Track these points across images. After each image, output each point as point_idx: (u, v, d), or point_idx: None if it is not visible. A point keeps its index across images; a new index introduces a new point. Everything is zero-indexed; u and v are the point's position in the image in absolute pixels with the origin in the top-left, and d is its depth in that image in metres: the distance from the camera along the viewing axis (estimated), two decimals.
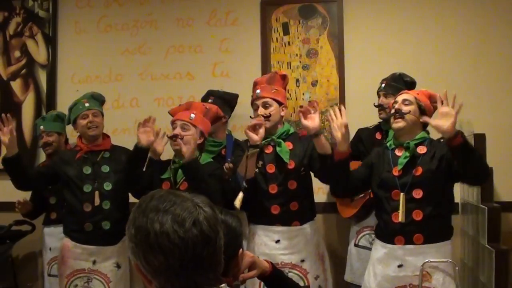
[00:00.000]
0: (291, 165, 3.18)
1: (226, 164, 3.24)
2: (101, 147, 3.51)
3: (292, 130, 3.36)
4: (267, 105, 3.21)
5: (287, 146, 3.22)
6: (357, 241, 3.65)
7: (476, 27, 4.03)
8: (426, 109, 2.92)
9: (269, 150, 3.25)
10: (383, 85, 3.55)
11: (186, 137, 3.10)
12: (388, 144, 3.03)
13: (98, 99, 3.59)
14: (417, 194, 2.83)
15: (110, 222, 3.38)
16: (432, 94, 2.97)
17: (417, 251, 2.81)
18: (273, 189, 3.21)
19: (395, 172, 2.89)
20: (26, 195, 3.89)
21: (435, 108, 2.90)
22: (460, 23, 4.05)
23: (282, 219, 3.22)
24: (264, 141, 3.23)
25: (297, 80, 4.18)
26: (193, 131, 3.15)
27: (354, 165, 3.38)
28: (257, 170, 3.21)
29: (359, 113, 3.94)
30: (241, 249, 1.69)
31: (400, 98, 2.98)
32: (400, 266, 2.83)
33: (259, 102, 3.24)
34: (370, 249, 3.43)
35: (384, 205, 2.91)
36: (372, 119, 3.71)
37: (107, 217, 3.38)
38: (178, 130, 3.15)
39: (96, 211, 3.39)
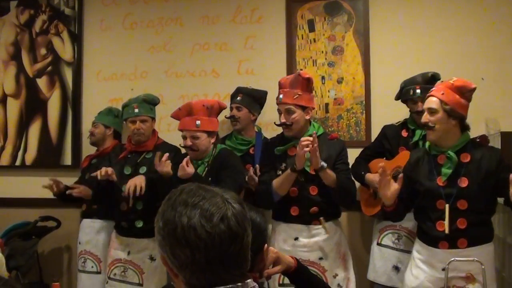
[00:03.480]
0: (313, 170, 3.18)
1: (251, 173, 3.36)
2: (143, 148, 3.55)
3: (321, 131, 3.35)
4: (290, 112, 3.19)
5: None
6: (379, 240, 3.65)
7: (506, 24, 3.97)
8: (456, 108, 2.80)
9: (293, 152, 3.25)
10: (418, 91, 3.49)
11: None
12: (427, 147, 2.96)
13: (150, 103, 3.62)
14: (462, 205, 2.82)
15: (143, 221, 3.47)
16: (462, 84, 2.84)
17: (461, 254, 2.79)
18: (293, 192, 3.25)
19: (440, 182, 2.85)
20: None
21: (470, 99, 2.86)
22: (489, 20, 3.99)
23: (301, 220, 3.28)
24: (289, 144, 3.27)
25: (323, 78, 4.18)
26: (204, 136, 3.24)
27: (377, 163, 3.41)
28: (280, 172, 3.25)
29: (384, 111, 3.97)
30: (266, 245, 1.70)
31: (426, 105, 2.89)
32: (443, 269, 2.81)
33: (281, 108, 3.24)
34: (392, 248, 3.58)
35: (427, 213, 2.89)
36: (398, 117, 3.73)
37: (140, 216, 3.47)
38: (188, 141, 3.24)
39: (131, 211, 3.49)
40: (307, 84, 3.25)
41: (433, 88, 2.94)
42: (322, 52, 4.19)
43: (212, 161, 3.31)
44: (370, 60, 4.11)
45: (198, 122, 3.23)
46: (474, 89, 2.85)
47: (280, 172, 3.26)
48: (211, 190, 1.25)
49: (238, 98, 3.76)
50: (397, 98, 3.68)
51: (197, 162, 3.32)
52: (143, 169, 3.47)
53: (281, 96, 3.25)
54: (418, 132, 3.49)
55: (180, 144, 3.33)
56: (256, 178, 3.39)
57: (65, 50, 4.59)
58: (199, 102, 3.43)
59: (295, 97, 3.21)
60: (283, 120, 3.22)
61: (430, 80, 3.49)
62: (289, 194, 3.23)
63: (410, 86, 3.54)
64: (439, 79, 3.48)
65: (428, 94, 2.92)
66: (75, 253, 4.14)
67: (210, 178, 3.22)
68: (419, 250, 2.95)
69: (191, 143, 3.23)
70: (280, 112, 3.27)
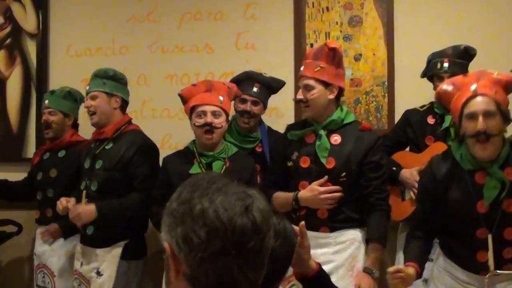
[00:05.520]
0: (330, 164, 2.93)
1: None
2: (103, 136, 3.35)
3: (350, 119, 3.06)
4: (308, 87, 2.96)
5: (332, 140, 2.95)
6: None
7: None
8: (506, 111, 2.50)
9: (310, 139, 3.03)
10: (445, 64, 3.32)
11: None
12: (459, 158, 2.61)
13: (102, 76, 3.38)
14: (510, 234, 2.53)
15: (94, 227, 3.26)
16: (507, 79, 2.58)
17: (507, 277, 2.55)
18: (303, 186, 3.00)
19: (481, 208, 2.52)
20: None
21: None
22: None
23: (308, 223, 2.90)
24: (307, 128, 3.05)
25: None
26: (223, 117, 3.06)
27: (402, 156, 3.36)
28: (290, 163, 3.05)
29: (411, 93, 3.79)
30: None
31: (478, 107, 2.47)
32: None
33: (301, 83, 3.02)
34: None
35: (465, 240, 2.61)
36: (427, 100, 3.52)
37: (91, 222, 3.25)
38: (210, 118, 3.02)
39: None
40: (333, 56, 2.96)
41: (467, 77, 2.63)
42: (337, 23, 3.97)
43: (230, 164, 3.11)
44: (394, 33, 3.90)
45: (221, 97, 3.05)
46: None
47: (290, 163, 3.02)
48: (235, 182, 1.26)
49: (255, 89, 3.48)
50: (423, 75, 3.51)
51: (210, 154, 3.07)
52: (99, 163, 3.28)
53: (301, 68, 3.05)
54: (448, 118, 3.26)
55: (195, 124, 3.05)
56: None
57: (28, 19, 4.36)
58: (219, 81, 3.41)
59: (316, 69, 2.95)
60: (299, 97, 3.00)
61: (462, 54, 3.35)
62: (298, 188, 3.02)
63: (437, 58, 3.40)
64: (474, 54, 3.37)
65: (475, 93, 2.50)
66: None
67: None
68: (452, 270, 2.69)
69: (212, 120, 3.01)
70: (299, 88, 3.07)
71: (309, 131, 3.01)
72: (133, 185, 3.16)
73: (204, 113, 3.02)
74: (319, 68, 2.94)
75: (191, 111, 3.05)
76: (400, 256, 3.32)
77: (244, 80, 3.52)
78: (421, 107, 3.49)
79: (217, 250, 1.16)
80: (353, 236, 3.01)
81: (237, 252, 1.17)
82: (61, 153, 3.61)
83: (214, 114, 3.03)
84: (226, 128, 3.11)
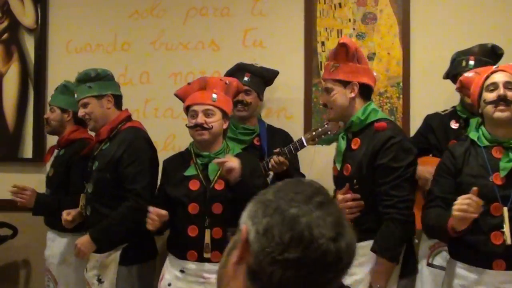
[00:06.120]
0: (346, 171, 2.85)
1: (275, 157, 3.15)
2: (101, 137, 3.33)
3: (372, 118, 2.90)
4: (328, 90, 2.90)
5: (353, 144, 2.86)
6: (430, 259, 3.37)
7: None
8: None
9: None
10: (471, 62, 3.27)
11: (229, 163, 2.89)
12: (476, 139, 2.69)
13: (85, 80, 3.33)
14: None
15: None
16: None
17: None
18: None
19: (496, 179, 2.56)
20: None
21: None
22: None
23: None
24: (333, 135, 3.07)
25: None
26: (219, 116, 3.01)
27: (425, 162, 3.14)
28: None
29: (427, 95, 3.73)
30: None
31: (499, 78, 2.61)
32: None
33: (322, 87, 3.00)
34: None
35: (478, 221, 2.53)
36: (445, 102, 3.48)
37: (89, 225, 3.26)
38: (201, 118, 2.99)
39: (84, 217, 3.37)
40: (346, 52, 2.87)
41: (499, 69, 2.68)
42: (349, 20, 3.90)
43: None
44: (410, 31, 3.83)
45: (214, 95, 3.01)
46: None
47: None
48: (337, 202, 1.39)
49: (246, 78, 3.54)
50: (445, 75, 3.44)
51: (206, 155, 3.03)
52: (95, 165, 3.27)
53: (321, 72, 3.11)
54: (474, 121, 3.17)
55: (186, 125, 3.05)
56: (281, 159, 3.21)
57: (26, 13, 4.31)
58: (216, 77, 3.35)
59: (331, 69, 2.90)
60: (321, 102, 3.00)
61: (489, 52, 3.30)
62: None
63: (462, 57, 3.35)
64: (501, 54, 3.32)
65: (496, 69, 2.67)
66: (35, 269, 4.06)
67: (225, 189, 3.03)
68: (459, 274, 2.65)
69: (203, 120, 2.98)
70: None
71: (335, 138, 2.99)
72: (124, 186, 3.10)
73: (196, 113, 2.99)
74: (333, 68, 2.89)
75: (187, 111, 3.05)
76: (424, 268, 3.34)
77: (236, 72, 3.57)
78: (443, 111, 3.43)
79: (292, 259, 1.15)
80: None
81: (310, 271, 1.16)
82: (61, 152, 3.59)
83: (206, 113, 2.99)
84: (223, 126, 3.06)
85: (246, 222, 1.22)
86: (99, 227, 3.11)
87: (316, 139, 3.08)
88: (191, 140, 3.12)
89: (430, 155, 3.36)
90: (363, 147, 2.81)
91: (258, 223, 1.19)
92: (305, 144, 3.09)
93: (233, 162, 2.89)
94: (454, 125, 3.34)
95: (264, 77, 3.61)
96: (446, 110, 3.41)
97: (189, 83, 3.15)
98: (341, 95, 2.85)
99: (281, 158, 3.12)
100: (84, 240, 3.13)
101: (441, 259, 3.29)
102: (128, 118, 3.36)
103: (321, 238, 1.15)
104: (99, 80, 3.32)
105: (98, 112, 3.28)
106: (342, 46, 2.85)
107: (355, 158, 2.79)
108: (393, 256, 2.68)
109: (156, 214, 2.86)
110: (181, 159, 3.05)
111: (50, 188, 3.57)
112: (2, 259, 4.22)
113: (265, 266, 1.16)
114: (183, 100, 3.10)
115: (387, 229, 2.70)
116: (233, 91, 3.16)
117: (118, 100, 3.31)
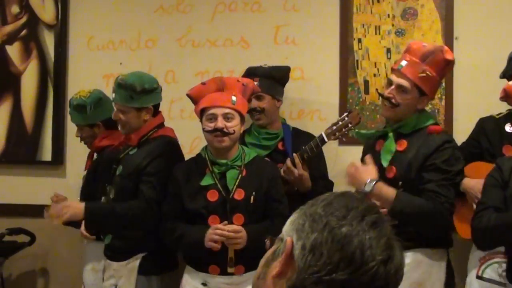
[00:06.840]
0: (390, 173, 2.85)
1: (288, 162, 3.16)
2: (129, 141, 3.30)
3: (427, 122, 2.94)
4: (402, 89, 2.84)
5: (398, 145, 2.87)
6: (480, 272, 3.22)
7: None
8: None
9: (379, 146, 2.98)
10: None
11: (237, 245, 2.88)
12: None
13: (127, 88, 3.22)
14: None
15: (111, 237, 3.26)
16: None
17: None
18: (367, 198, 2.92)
19: None
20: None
21: None
22: None
23: None
24: (374, 131, 3.10)
25: (388, 50, 3.80)
26: (237, 119, 2.97)
27: (475, 167, 3.14)
28: None
29: (472, 96, 3.63)
30: None
31: None
32: None
33: (394, 77, 2.88)
34: (499, 283, 3.18)
35: None
36: (494, 104, 3.33)
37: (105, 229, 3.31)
38: (221, 122, 2.93)
39: None
40: (443, 67, 2.92)
41: None
42: (388, 15, 3.81)
43: (247, 172, 3.03)
44: (453, 27, 3.72)
45: (234, 98, 2.95)
46: None
47: None
48: (389, 221, 1.23)
49: (255, 83, 3.48)
50: (502, 75, 3.31)
51: (223, 162, 2.98)
52: (119, 169, 3.24)
53: (403, 62, 2.90)
54: None
55: (204, 129, 3.00)
56: (296, 171, 3.17)
57: (46, 8, 4.25)
58: (233, 77, 3.28)
59: (421, 74, 2.84)
60: (389, 94, 2.86)
61: None
62: None
63: None
64: None
65: None
66: (54, 278, 4.04)
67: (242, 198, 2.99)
68: None
69: (223, 125, 2.92)
70: (388, 82, 2.94)
71: (378, 133, 2.99)
72: (142, 192, 3.05)
73: (215, 116, 2.94)
74: (424, 74, 2.86)
75: (201, 114, 2.98)
76: (473, 281, 3.26)
77: (246, 76, 3.52)
78: (498, 114, 3.37)
79: (339, 281, 1.14)
80: (420, 259, 2.89)
81: None
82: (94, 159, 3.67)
83: (226, 117, 2.94)
84: (241, 131, 3.05)
85: (290, 234, 1.20)
86: (99, 206, 3.16)
87: (337, 133, 3.05)
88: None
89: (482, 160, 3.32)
90: (412, 149, 2.83)
91: (305, 238, 1.17)
92: (325, 139, 3.06)
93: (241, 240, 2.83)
94: (509, 128, 3.28)
95: (274, 77, 3.55)
96: (501, 113, 3.35)
97: (203, 83, 3.10)
98: (413, 101, 2.85)
99: (297, 159, 3.10)
100: (77, 205, 3.11)
101: (492, 271, 3.19)
102: (161, 124, 3.32)
103: (372, 261, 1.14)
104: (143, 94, 3.26)
105: (134, 123, 3.24)
106: (446, 61, 2.87)
107: (403, 160, 2.81)
108: (395, 207, 2.67)
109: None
110: (194, 167, 2.99)
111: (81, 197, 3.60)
112: (19, 267, 4.23)
113: (308, 285, 1.15)
114: (195, 101, 3.04)
115: (419, 198, 2.73)
116: (249, 93, 3.14)
117: (156, 108, 3.28)
